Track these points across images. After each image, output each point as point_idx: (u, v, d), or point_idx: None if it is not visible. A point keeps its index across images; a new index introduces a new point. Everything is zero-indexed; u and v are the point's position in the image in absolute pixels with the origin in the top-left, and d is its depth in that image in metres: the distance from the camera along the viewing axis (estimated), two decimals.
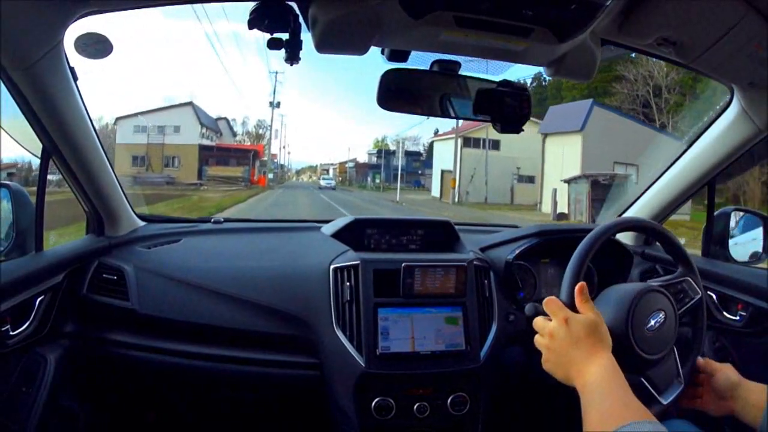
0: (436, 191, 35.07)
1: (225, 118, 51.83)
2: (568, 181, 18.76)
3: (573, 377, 1.04)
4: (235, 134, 56.21)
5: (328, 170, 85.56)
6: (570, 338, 1.06)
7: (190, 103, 41.22)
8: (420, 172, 57.69)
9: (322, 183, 47.01)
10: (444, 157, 33.92)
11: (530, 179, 29.86)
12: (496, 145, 31.18)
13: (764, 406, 1.13)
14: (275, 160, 57.70)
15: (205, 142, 41.84)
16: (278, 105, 47.01)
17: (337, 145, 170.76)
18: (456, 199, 28.52)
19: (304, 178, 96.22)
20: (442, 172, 33.75)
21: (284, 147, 73.06)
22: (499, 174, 30.21)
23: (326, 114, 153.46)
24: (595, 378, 0.99)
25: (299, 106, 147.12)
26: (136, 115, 38.89)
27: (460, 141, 31.25)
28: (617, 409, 0.91)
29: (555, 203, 19.35)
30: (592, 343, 1.04)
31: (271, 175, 43.89)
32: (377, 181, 54.71)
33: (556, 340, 1.08)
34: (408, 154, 59.01)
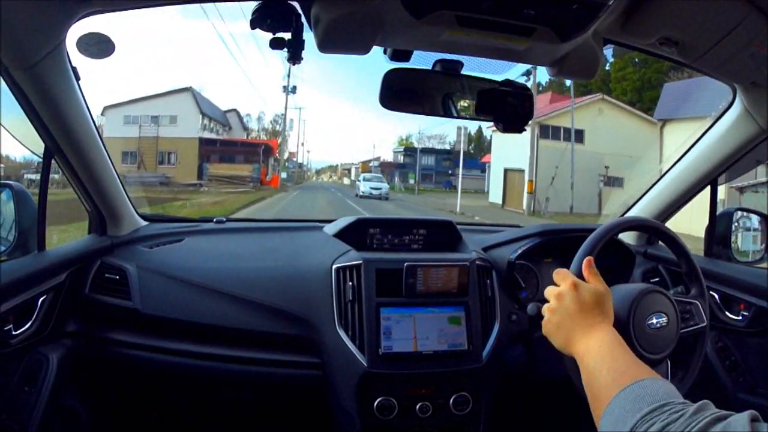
0: (495, 196, 28.04)
1: (235, 110, 44.35)
2: (741, 189, 13.30)
3: (573, 343, 1.03)
4: (246, 129, 49.35)
5: (349, 170, 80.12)
6: (576, 302, 1.06)
7: (188, 89, 34.89)
8: (450, 172, 52.06)
9: (364, 189, 28.66)
10: (507, 152, 26.01)
11: (618, 182, 23.19)
12: (579, 135, 23.75)
13: None
14: (293, 159, 52.56)
15: (208, 135, 35.96)
16: (294, 90, 38.98)
17: (358, 145, 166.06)
18: (532, 208, 22.08)
19: (324, 178, 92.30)
20: (506, 171, 26.96)
21: (302, 144, 66.31)
22: (583, 175, 22.64)
23: (347, 113, 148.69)
24: (601, 344, 0.98)
25: (318, 105, 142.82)
26: (126, 103, 32.78)
27: (536, 130, 22.97)
28: (630, 367, 0.89)
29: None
30: (597, 314, 1.04)
31: (284, 174, 36.69)
32: (411, 181, 48.11)
33: (563, 302, 1.08)
34: (437, 152, 55.58)
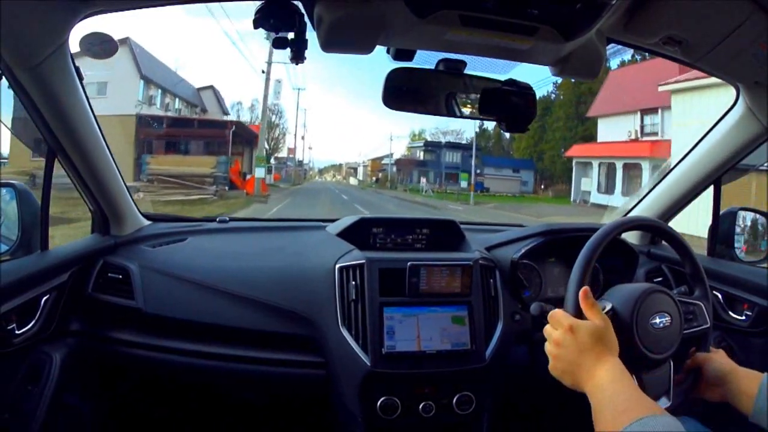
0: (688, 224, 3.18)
1: (211, 87, 31.57)
2: None
3: (582, 382, 1.04)
4: (228, 113, 35.10)
5: (356, 169, 72.43)
6: (576, 346, 1.07)
7: (125, 41, 22.49)
8: (479, 171, 41.20)
9: None
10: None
11: None
12: None
13: (755, 393, 1.13)
14: (291, 155, 46.13)
15: (156, 111, 24.73)
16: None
17: (365, 145, 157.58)
18: None
19: (328, 177, 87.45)
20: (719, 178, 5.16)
21: (303, 137, 56.01)
22: None
23: (352, 112, 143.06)
24: (604, 380, 1.00)
25: (322, 103, 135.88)
26: None
27: None
28: (630, 405, 0.92)
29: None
30: (599, 350, 1.05)
31: (260, 173, 22.04)
32: (463, 183, 34.28)
33: (563, 348, 1.09)
34: (463, 147, 45.76)
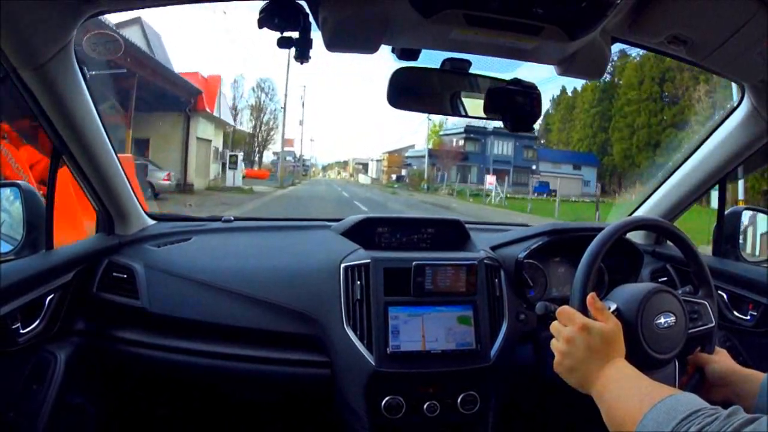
0: None
1: (139, 21, 18.16)
2: None
3: (588, 384, 1.03)
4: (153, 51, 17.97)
5: (366, 165, 63.50)
6: (587, 346, 1.05)
7: None
8: (534, 167, 35.37)
9: None
10: None
11: None
12: None
13: (756, 393, 1.12)
14: (290, 148, 37.73)
15: None
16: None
17: (375, 139, 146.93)
18: None
19: (332, 174, 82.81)
20: None
21: (300, 122, 48.44)
22: None
23: (358, 102, 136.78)
24: (617, 377, 0.99)
25: (326, 97, 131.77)
26: None
27: None
28: (655, 388, 0.90)
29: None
30: (608, 352, 1.04)
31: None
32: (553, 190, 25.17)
33: (573, 346, 1.07)
34: (516, 136, 35.24)
